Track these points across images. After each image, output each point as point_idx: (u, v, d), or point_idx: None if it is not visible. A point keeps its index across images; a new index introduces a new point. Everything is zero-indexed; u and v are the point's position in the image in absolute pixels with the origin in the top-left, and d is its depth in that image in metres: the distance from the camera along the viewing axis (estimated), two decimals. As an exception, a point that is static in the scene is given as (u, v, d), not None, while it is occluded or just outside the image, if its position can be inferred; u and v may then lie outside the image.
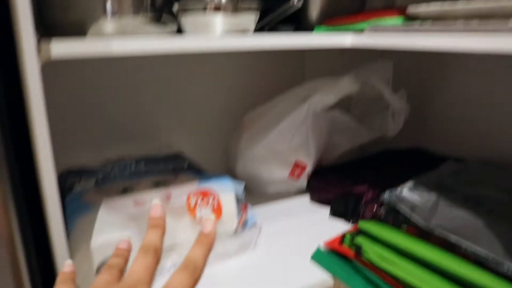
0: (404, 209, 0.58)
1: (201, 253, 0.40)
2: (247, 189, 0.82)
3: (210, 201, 0.64)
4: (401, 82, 0.88)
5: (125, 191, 0.65)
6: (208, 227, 0.42)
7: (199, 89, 0.93)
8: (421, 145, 1.01)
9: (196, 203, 0.63)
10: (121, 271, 0.39)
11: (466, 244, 0.50)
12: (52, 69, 0.79)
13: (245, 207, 0.70)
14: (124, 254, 0.41)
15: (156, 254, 0.39)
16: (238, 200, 0.68)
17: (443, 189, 0.65)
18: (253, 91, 0.97)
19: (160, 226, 0.42)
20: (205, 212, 0.63)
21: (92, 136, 0.84)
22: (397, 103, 0.83)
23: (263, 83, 0.99)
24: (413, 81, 1.01)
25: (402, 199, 0.60)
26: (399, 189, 0.63)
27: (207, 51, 0.57)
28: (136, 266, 0.38)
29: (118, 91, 0.85)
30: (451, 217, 0.57)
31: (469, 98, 0.91)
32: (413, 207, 0.58)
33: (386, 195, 0.61)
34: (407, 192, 0.62)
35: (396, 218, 0.58)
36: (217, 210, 0.64)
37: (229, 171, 0.86)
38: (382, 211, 0.61)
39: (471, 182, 0.70)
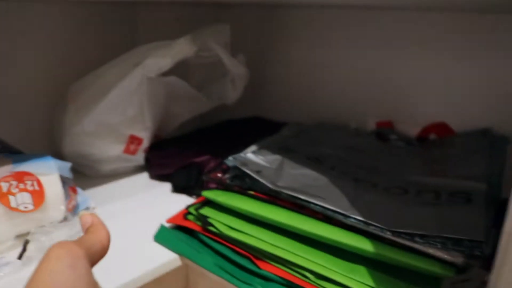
0: (249, 173, 0.57)
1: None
2: (78, 170, 0.75)
3: (29, 185, 0.56)
4: (240, 49, 0.88)
5: None
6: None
7: (9, 55, 0.80)
8: (262, 114, 1.03)
9: (9, 189, 0.54)
10: None
11: (313, 202, 0.51)
12: None
13: (74, 190, 0.64)
14: None
15: None
16: (64, 183, 0.61)
17: (287, 151, 0.66)
18: (79, 58, 0.88)
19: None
20: (23, 199, 0.55)
21: None
22: (236, 68, 0.83)
23: (91, 51, 0.90)
24: (252, 48, 1.02)
25: (246, 164, 0.59)
26: (242, 153, 0.62)
27: None
28: None
29: None
30: (298, 177, 0.58)
31: (302, 66, 0.96)
32: (258, 171, 0.58)
33: (230, 160, 0.59)
34: (251, 156, 0.62)
35: (242, 184, 0.58)
36: (39, 195, 0.56)
37: (57, 153, 0.77)
38: (227, 178, 0.59)
39: (312, 143, 0.74)
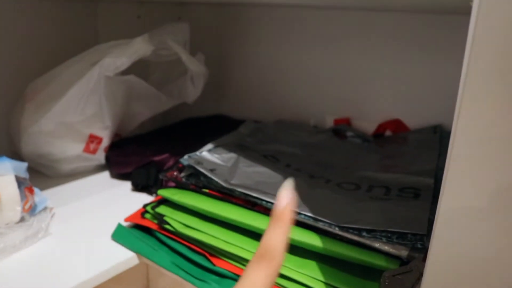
0: (203, 172, 0.58)
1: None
2: (37, 170, 0.75)
3: (-17, 186, 0.56)
4: (201, 47, 0.89)
5: None
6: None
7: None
8: (222, 112, 1.04)
9: (-38, 191, 0.54)
10: None
11: (265, 199, 0.53)
12: None
13: (31, 191, 0.63)
14: None
15: None
16: (20, 183, 0.61)
17: (243, 149, 0.68)
18: (39, 56, 0.87)
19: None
20: (-24, 200, 0.55)
21: None
22: (195, 66, 0.83)
23: (51, 48, 0.89)
24: (213, 47, 1.03)
25: (201, 162, 0.60)
26: (198, 152, 0.63)
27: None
28: None
29: None
30: (252, 175, 0.60)
31: (263, 65, 0.97)
32: (212, 169, 0.59)
33: (185, 159, 0.60)
34: (207, 154, 0.63)
35: (197, 183, 0.59)
36: (-7, 196, 0.56)
37: (15, 153, 0.77)
38: (183, 176, 0.60)
39: (269, 140, 0.75)
